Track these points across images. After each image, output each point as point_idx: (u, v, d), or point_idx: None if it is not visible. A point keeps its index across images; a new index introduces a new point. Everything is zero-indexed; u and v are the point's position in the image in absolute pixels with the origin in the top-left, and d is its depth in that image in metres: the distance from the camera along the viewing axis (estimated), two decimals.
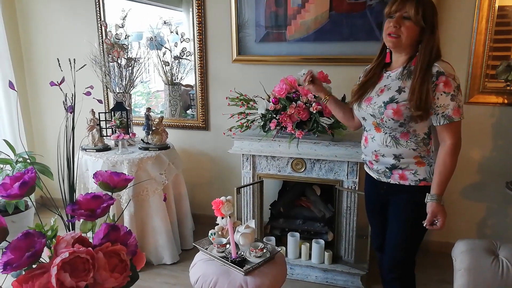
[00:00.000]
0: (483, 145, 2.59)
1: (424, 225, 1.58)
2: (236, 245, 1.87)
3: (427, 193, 1.58)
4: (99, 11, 3.10)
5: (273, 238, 2.51)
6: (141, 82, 3.15)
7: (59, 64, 1.56)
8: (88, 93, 1.48)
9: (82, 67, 1.75)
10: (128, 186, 1.54)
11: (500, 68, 2.38)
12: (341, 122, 2.04)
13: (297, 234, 2.50)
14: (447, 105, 1.50)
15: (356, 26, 2.58)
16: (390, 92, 1.59)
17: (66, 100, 1.36)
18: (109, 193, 1.33)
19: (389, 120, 1.58)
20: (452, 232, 2.63)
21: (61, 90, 1.35)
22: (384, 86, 1.63)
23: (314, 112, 2.19)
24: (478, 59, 2.47)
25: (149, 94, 3.37)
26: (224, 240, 1.91)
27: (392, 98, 1.58)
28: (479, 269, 1.55)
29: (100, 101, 1.85)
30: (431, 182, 1.60)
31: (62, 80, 1.37)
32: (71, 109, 1.35)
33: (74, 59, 1.59)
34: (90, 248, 1.14)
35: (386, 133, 1.64)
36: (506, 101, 2.49)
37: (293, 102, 2.22)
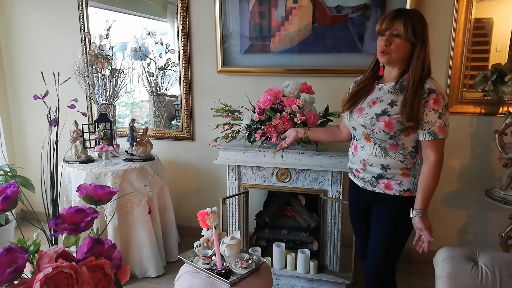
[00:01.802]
0: (462, 154, 2.66)
1: (413, 243, 1.62)
2: (222, 256, 1.87)
3: (411, 209, 1.62)
4: (83, 22, 3.09)
5: (258, 249, 2.51)
6: (126, 92, 3.14)
7: (43, 77, 1.55)
8: (72, 106, 1.47)
9: (66, 80, 1.74)
10: (113, 199, 1.53)
11: (478, 78, 2.45)
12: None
13: (283, 244, 2.51)
14: (434, 122, 1.55)
15: (338, 38, 2.63)
16: (383, 105, 1.63)
17: (50, 113, 1.35)
18: (93, 207, 1.32)
19: (380, 132, 1.62)
20: (434, 240, 2.67)
21: (45, 103, 1.34)
22: (377, 98, 1.67)
23: (298, 122, 2.22)
24: (456, 71, 2.54)
25: (133, 104, 3.36)
26: (210, 252, 1.91)
27: (384, 110, 1.61)
28: (459, 276, 1.58)
29: (84, 114, 1.84)
30: (414, 193, 1.65)
31: (46, 94, 1.36)
32: (54, 123, 1.34)
33: (58, 73, 1.58)
34: (73, 263, 1.12)
35: (376, 143, 1.68)
36: (483, 110, 2.56)
37: (278, 113, 2.25)
